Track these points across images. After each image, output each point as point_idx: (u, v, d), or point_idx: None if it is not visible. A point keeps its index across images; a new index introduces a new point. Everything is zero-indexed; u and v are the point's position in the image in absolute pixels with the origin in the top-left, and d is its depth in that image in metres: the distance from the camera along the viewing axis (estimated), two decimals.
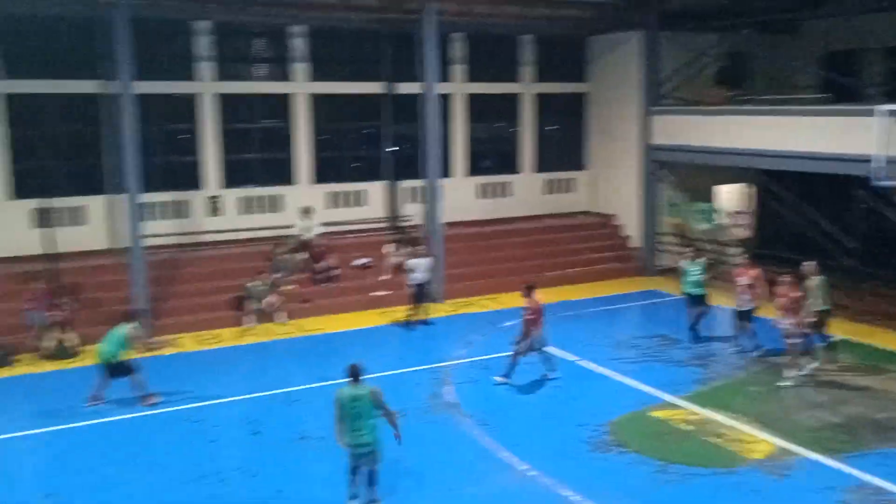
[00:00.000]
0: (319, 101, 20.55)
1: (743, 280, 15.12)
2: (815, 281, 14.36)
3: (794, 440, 11.46)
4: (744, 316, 15.24)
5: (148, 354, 14.06)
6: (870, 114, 16.05)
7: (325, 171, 20.79)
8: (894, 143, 15.57)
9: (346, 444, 9.40)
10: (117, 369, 12.81)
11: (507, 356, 13.85)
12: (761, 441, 11.51)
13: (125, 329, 12.93)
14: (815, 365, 14.20)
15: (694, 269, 16.02)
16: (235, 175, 19.80)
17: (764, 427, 11.91)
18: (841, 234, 17.67)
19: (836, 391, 13.39)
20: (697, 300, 16.07)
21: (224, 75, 19.45)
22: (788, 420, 12.18)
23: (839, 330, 16.62)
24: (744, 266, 15.51)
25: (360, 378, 9.43)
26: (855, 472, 10.49)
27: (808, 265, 14.52)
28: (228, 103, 19.53)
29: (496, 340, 16.20)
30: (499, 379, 13.80)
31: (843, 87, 18.74)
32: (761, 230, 21.89)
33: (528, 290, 13.83)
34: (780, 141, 18.28)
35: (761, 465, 10.80)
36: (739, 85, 22.29)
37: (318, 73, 20.39)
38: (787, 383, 13.54)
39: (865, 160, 15.99)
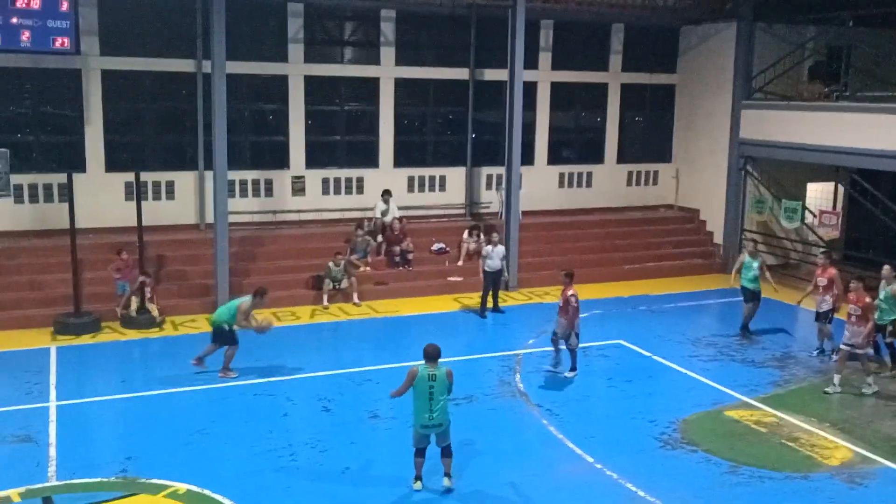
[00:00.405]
0: (404, 85, 20.69)
1: (822, 281, 14.68)
2: (893, 286, 13.77)
3: (874, 449, 11.06)
4: (822, 317, 14.77)
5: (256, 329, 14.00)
6: None
7: (407, 155, 20.95)
8: None
9: (418, 423, 9.48)
10: (222, 336, 13.22)
11: (569, 350, 13.69)
12: (839, 447, 11.15)
13: (242, 301, 13.33)
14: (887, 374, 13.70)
15: (753, 264, 15.72)
16: (319, 156, 20.12)
17: (842, 433, 11.53)
18: None
19: None
20: (752, 295, 15.82)
21: (312, 57, 19.76)
22: (869, 427, 11.75)
23: None
24: (822, 266, 15.03)
25: (438, 359, 9.51)
26: None
27: (887, 269, 13.94)
28: (315, 85, 19.84)
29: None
30: (569, 374, 13.69)
31: None
32: (850, 231, 21.08)
33: (569, 277, 13.56)
34: (874, 139, 17.57)
35: (837, 473, 10.46)
36: (836, 80, 21.46)
37: (404, 58, 20.52)
38: (864, 390, 13.04)
39: None
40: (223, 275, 16.73)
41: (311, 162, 20.02)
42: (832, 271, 14.72)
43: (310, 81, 19.74)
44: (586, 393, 13.20)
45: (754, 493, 9.90)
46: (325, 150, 20.24)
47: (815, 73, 21.76)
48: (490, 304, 17.37)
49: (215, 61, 16.28)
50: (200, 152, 18.63)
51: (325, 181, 20.17)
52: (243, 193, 19.23)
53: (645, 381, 13.70)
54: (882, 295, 13.72)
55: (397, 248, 19.04)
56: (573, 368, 13.72)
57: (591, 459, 10.65)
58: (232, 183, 17.79)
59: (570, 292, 13.35)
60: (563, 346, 13.67)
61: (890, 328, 13.74)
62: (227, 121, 16.55)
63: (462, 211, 21.41)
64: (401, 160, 20.85)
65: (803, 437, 11.43)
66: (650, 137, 23.76)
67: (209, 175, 17.73)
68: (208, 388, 12.89)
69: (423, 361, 9.54)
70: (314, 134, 20.03)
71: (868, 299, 13.08)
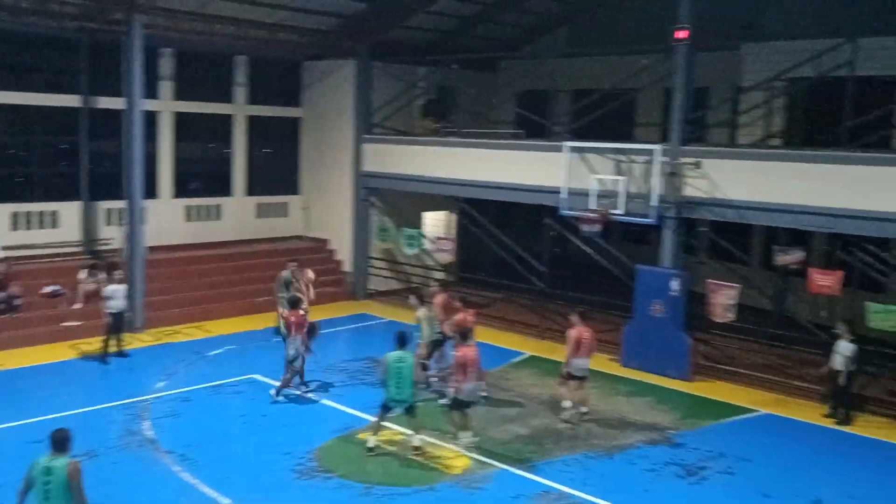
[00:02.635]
0: (5, 112, 18.64)
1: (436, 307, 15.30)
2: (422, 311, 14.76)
3: (488, 454, 12.12)
4: (435, 344, 15.11)
5: None
6: (558, 149, 17.65)
7: (8, 190, 18.82)
8: (577, 176, 17.23)
9: None
10: None
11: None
12: (460, 456, 12.03)
13: None
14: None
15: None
16: None
17: (473, 441, 12.41)
18: (533, 258, 19.14)
19: (524, 405, 14.39)
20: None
21: None
22: (483, 435, 12.82)
23: (528, 347, 18.02)
24: (436, 293, 15.82)
25: (66, 448, 7.68)
26: (541, 480, 11.33)
27: (413, 297, 15.27)
28: None
29: (201, 370, 15.60)
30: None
31: (535, 123, 20.44)
32: (464, 255, 23.12)
33: (293, 304, 14.36)
34: (480, 171, 19.51)
35: (459, 480, 11.29)
36: (445, 117, 23.49)
37: (3, 82, 18.49)
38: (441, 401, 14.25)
39: (554, 191, 17.53)
40: None
41: None
42: (439, 298, 15.44)
43: None
44: (220, 433, 12.82)
45: None
46: None
47: (427, 110, 23.60)
48: (114, 348, 16.18)
49: None
50: None
51: None
52: None
53: (280, 413, 13.67)
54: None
55: (2, 294, 16.97)
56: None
57: (227, 501, 10.34)
58: None
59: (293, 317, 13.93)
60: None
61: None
62: None
63: (79, 248, 19.72)
64: (2, 195, 18.68)
65: (429, 451, 12.16)
66: (278, 169, 23.98)
67: None
68: None
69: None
70: None
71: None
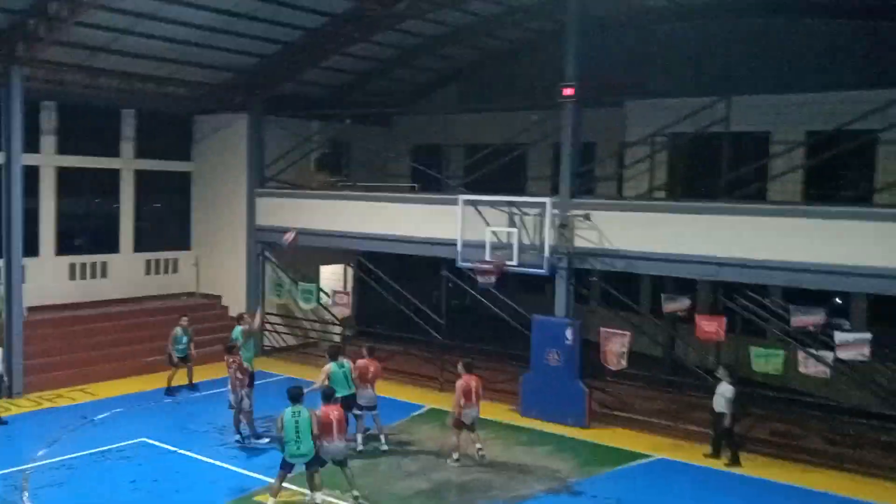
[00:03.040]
0: None
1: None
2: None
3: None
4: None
5: None
6: (453, 202, 17.88)
7: None
8: (471, 228, 17.48)
9: None
10: None
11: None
12: None
13: None
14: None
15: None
16: None
17: (364, 500, 12.18)
18: (431, 311, 19.19)
19: (426, 459, 14.27)
20: None
21: None
22: (384, 491, 12.65)
23: (429, 399, 17.96)
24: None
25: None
26: None
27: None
28: None
29: (86, 435, 14.86)
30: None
31: (430, 177, 20.65)
32: (361, 308, 22.96)
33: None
34: (376, 224, 19.53)
35: None
36: (340, 171, 23.48)
37: None
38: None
39: (450, 243, 17.71)
40: None
41: None
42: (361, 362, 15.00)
43: None
44: (108, 501, 12.17)
45: None
46: None
47: (321, 163, 23.59)
48: None
49: None
50: None
51: None
52: None
53: (172, 478, 13.11)
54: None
55: None
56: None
57: None
58: None
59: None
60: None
61: None
62: None
63: None
64: None
65: None
66: (168, 225, 23.36)
67: None
68: None
69: None
70: None
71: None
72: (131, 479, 13.03)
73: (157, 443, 14.55)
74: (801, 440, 15.41)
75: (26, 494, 12.17)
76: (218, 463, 13.79)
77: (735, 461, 14.42)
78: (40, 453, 13.92)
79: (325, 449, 11.82)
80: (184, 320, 18.33)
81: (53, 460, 13.58)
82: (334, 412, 12.05)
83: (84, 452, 13.95)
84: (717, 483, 13.75)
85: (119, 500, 12.33)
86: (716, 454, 14.59)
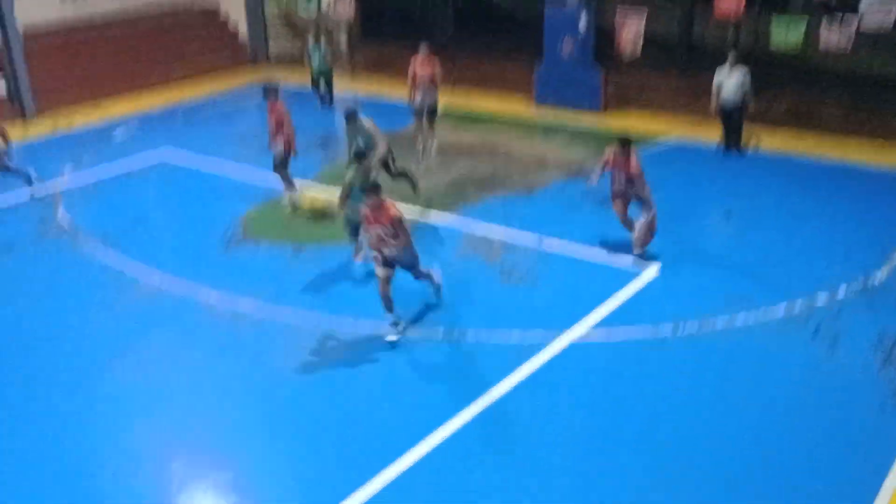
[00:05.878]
0: None
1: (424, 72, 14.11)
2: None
3: (415, 203, 12.05)
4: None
5: None
6: None
7: None
8: None
9: None
10: None
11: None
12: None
13: None
14: None
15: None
16: None
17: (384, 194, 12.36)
18: (438, 14, 18.31)
19: (441, 156, 14.34)
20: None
21: None
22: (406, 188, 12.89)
23: (440, 98, 17.70)
24: (423, 56, 14.18)
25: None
26: (466, 222, 11.58)
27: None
28: None
29: (104, 154, 15.02)
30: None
31: None
32: (364, 11, 22.04)
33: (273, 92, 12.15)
34: None
35: None
36: None
37: None
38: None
39: None
40: None
41: None
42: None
43: None
44: (141, 216, 12.44)
45: (320, 265, 10.49)
46: None
47: None
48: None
49: None
50: None
51: None
52: None
53: (199, 189, 13.36)
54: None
55: None
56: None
57: (157, 278, 10.26)
58: None
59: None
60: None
61: None
62: None
63: None
64: None
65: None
66: None
67: None
68: None
69: None
70: None
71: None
72: (160, 194, 13.35)
73: (180, 152, 14.71)
74: (818, 111, 15.15)
75: (62, 212, 12.51)
76: (243, 173, 13.87)
77: (744, 144, 14.13)
78: (65, 177, 14.15)
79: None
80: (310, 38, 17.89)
81: (82, 181, 13.80)
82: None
83: (109, 172, 14.16)
84: (731, 162, 13.88)
85: (153, 215, 12.64)
86: (727, 145, 14.22)
